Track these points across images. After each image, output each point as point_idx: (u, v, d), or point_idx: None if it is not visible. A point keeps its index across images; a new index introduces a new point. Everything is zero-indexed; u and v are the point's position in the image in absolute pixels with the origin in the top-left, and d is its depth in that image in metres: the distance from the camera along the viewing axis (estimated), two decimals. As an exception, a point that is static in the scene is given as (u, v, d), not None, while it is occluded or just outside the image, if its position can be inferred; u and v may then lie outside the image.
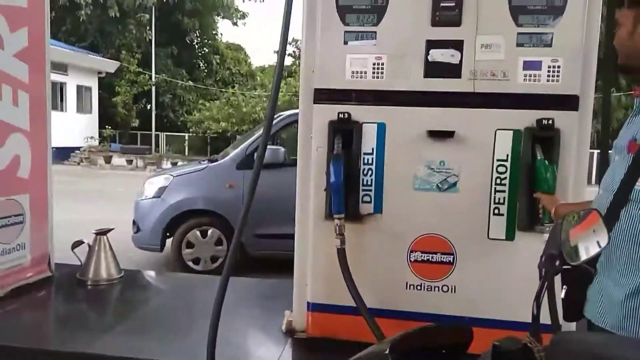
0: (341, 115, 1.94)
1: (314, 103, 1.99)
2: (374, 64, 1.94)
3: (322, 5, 1.93)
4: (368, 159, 1.97)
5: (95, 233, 2.71)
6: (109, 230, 2.76)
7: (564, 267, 0.91)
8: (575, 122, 1.85)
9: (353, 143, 1.95)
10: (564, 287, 1.24)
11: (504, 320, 1.86)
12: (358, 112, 1.95)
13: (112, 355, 1.90)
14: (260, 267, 4.86)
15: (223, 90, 27.30)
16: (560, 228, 0.85)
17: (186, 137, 25.43)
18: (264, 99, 22.24)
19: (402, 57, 1.92)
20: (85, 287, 2.61)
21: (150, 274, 3.31)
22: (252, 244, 4.92)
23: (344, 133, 1.96)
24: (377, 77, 1.94)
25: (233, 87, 26.79)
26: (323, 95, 1.98)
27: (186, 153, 24.11)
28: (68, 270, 2.76)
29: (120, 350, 1.92)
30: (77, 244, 2.69)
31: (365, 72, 1.95)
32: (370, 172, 1.97)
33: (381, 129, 1.96)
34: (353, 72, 1.95)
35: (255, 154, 1.95)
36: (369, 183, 1.98)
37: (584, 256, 0.87)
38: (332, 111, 1.95)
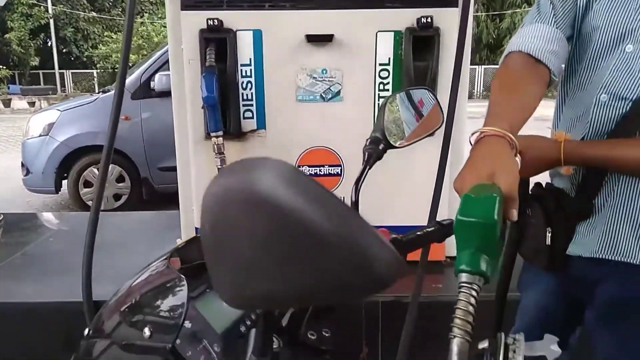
0: (211, 22, 1.75)
1: (182, 9, 1.78)
2: (245, -38, 1.74)
3: None
4: (246, 71, 1.82)
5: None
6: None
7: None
8: (455, 20, 1.78)
9: (228, 53, 1.79)
10: (549, 229, 0.96)
11: (398, 226, 1.85)
12: (231, 18, 1.78)
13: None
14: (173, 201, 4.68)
15: (131, 20, 25.14)
16: (383, 110, 0.79)
17: (95, 74, 23.58)
18: (177, 28, 20.76)
19: (274, -46, 1.74)
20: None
21: (35, 215, 3.06)
22: (157, 178, 4.65)
23: (218, 43, 1.78)
24: (249, -22, 1.75)
25: (142, 16, 24.71)
26: (191, 1, 1.77)
27: (96, 90, 22.45)
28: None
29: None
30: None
31: (236, -28, 1.75)
32: (250, 85, 1.84)
33: (257, 36, 1.80)
34: (222, -28, 1.75)
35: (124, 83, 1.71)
36: (250, 97, 1.85)
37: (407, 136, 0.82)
38: (202, 18, 1.76)
